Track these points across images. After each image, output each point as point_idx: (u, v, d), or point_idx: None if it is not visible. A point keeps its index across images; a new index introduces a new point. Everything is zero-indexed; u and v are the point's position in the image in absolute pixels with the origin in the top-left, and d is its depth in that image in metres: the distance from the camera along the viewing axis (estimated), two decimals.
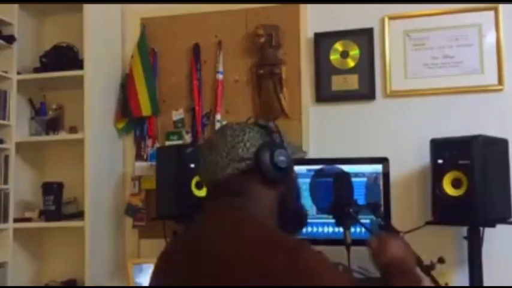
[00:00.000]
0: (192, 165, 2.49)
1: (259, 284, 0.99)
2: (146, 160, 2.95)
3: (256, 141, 1.20)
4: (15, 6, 2.82)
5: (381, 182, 2.43)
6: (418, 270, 1.42)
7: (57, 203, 2.75)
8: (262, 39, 2.79)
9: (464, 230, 2.40)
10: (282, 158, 1.20)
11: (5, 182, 2.73)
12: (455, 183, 2.30)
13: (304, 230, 2.43)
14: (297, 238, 1.10)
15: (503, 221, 2.31)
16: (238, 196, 1.18)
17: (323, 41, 2.81)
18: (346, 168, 2.11)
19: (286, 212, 1.23)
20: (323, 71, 2.80)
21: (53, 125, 2.91)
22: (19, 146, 2.79)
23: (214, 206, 1.20)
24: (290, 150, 1.25)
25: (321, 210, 2.08)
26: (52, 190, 2.75)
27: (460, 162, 2.28)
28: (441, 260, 1.76)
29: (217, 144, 1.21)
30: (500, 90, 2.61)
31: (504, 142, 2.40)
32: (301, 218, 1.29)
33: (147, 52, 2.94)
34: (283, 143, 1.25)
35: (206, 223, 1.17)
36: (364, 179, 2.44)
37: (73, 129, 2.88)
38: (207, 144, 1.25)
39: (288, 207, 1.24)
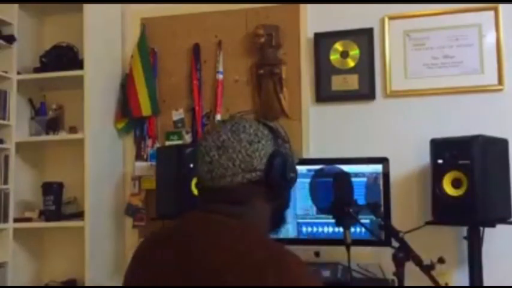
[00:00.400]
0: (192, 165, 2.48)
1: None
2: (146, 160, 2.95)
3: (268, 149, 1.15)
4: (15, 6, 2.82)
5: (381, 182, 2.43)
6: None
7: (57, 203, 2.76)
8: (262, 39, 2.79)
9: (464, 230, 2.40)
10: (292, 174, 1.17)
11: (5, 182, 2.73)
12: (455, 183, 2.30)
13: (304, 230, 2.48)
14: (286, 248, 1.07)
15: (503, 221, 2.31)
16: (241, 205, 1.13)
17: (323, 41, 2.81)
18: (346, 168, 2.11)
19: (277, 222, 1.22)
20: (323, 71, 2.80)
21: (53, 125, 2.91)
22: (19, 146, 2.79)
23: (213, 210, 1.13)
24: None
25: (321, 210, 2.07)
26: (52, 190, 2.75)
27: (460, 162, 2.28)
28: (441, 260, 1.76)
29: (229, 147, 1.12)
30: (500, 90, 2.61)
31: (504, 142, 2.40)
32: (282, 226, 1.27)
33: (147, 52, 2.95)
34: (293, 154, 1.21)
35: (203, 226, 1.12)
36: (364, 179, 2.44)
37: (73, 129, 2.88)
38: (216, 142, 1.14)
39: (280, 218, 1.23)
